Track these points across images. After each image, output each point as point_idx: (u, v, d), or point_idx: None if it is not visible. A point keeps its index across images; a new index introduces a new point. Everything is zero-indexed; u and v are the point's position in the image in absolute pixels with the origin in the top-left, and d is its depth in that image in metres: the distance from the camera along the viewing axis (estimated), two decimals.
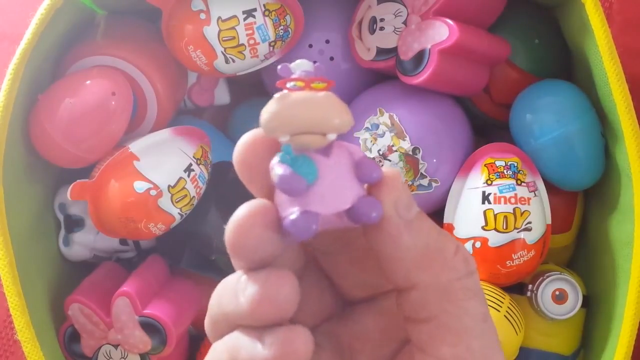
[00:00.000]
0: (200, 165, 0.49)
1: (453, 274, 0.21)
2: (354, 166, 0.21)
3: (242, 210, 0.21)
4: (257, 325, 0.20)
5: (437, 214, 0.52)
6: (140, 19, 0.53)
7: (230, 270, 0.22)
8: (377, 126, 0.50)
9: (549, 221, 0.49)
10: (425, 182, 0.50)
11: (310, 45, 0.54)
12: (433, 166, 0.50)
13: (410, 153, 0.49)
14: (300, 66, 0.21)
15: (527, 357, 0.51)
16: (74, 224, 0.52)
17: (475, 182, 0.49)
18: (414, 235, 0.21)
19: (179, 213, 0.48)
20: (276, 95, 0.20)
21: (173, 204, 0.47)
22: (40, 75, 0.48)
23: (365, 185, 0.21)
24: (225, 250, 0.21)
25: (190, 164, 0.49)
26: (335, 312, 0.25)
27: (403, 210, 0.21)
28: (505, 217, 0.47)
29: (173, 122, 0.53)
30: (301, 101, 0.20)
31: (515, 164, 0.49)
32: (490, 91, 0.53)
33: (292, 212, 0.20)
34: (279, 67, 0.21)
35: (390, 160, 0.50)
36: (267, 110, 0.20)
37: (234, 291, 0.21)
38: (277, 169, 0.20)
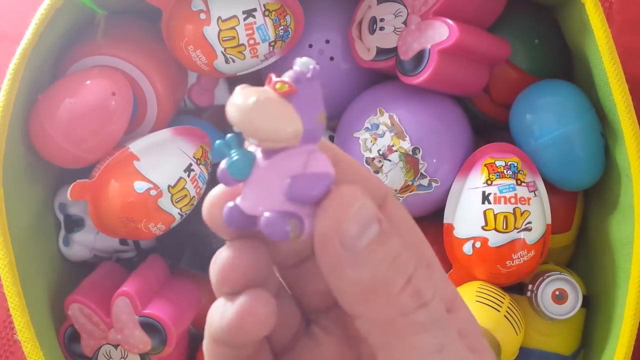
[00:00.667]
0: (200, 165, 0.49)
1: (397, 310, 0.20)
2: (295, 178, 0.20)
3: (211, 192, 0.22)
4: (229, 290, 0.21)
5: (437, 214, 0.52)
6: (140, 19, 0.53)
7: None
8: (377, 126, 0.50)
9: (549, 221, 0.49)
10: (425, 182, 0.50)
11: (310, 45, 0.54)
12: (433, 166, 0.50)
13: (410, 153, 0.49)
14: (299, 64, 0.20)
15: (527, 357, 0.51)
16: (74, 224, 0.52)
17: (475, 182, 0.49)
18: (359, 268, 0.19)
19: (179, 213, 0.48)
20: (238, 88, 0.20)
21: (173, 204, 0.47)
22: (40, 75, 0.48)
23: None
24: None
25: (190, 164, 0.49)
26: None
27: (349, 242, 0.19)
28: (505, 217, 0.47)
29: (173, 122, 0.53)
30: (234, 102, 0.19)
31: (515, 164, 0.49)
32: (490, 91, 0.53)
33: (228, 203, 0.21)
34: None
35: (390, 160, 0.50)
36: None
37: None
38: (222, 162, 0.20)
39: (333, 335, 0.23)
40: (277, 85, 0.19)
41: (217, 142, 0.20)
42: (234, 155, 0.20)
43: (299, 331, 0.24)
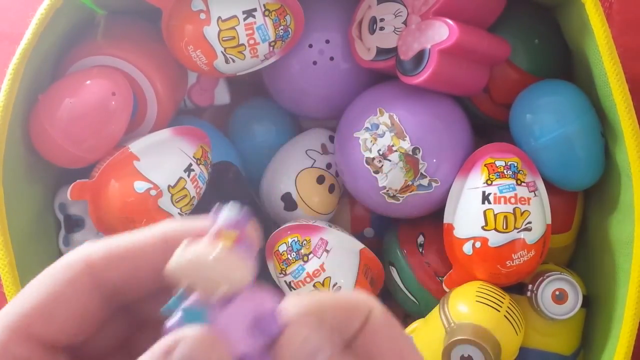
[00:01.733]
0: (200, 165, 0.49)
1: None
2: (257, 318, 0.20)
3: None
4: None
5: (437, 214, 0.52)
6: (140, 19, 0.53)
7: None
8: (377, 126, 0.50)
9: (549, 221, 0.49)
10: (425, 182, 0.50)
11: (310, 45, 0.54)
12: (433, 166, 0.50)
13: (410, 153, 0.49)
14: (227, 211, 0.21)
15: (527, 357, 0.51)
16: (74, 224, 0.52)
17: (475, 182, 0.49)
18: None
19: (179, 213, 0.48)
20: (183, 243, 0.21)
21: (173, 204, 0.47)
22: (40, 75, 0.48)
23: None
24: None
25: (190, 164, 0.49)
26: None
27: None
28: (505, 217, 0.47)
29: (173, 122, 0.53)
30: (185, 261, 0.20)
31: (515, 164, 0.49)
32: (490, 91, 0.53)
33: None
34: (214, 209, 0.21)
35: (390, 160, 0.50)
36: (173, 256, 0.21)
37: None
38: (171, 318, 0.21)
39: None
40: (223, 236, 0.21)
41: (170, 302, 0.21)
42: (188, 309, 0.20)
43: None
